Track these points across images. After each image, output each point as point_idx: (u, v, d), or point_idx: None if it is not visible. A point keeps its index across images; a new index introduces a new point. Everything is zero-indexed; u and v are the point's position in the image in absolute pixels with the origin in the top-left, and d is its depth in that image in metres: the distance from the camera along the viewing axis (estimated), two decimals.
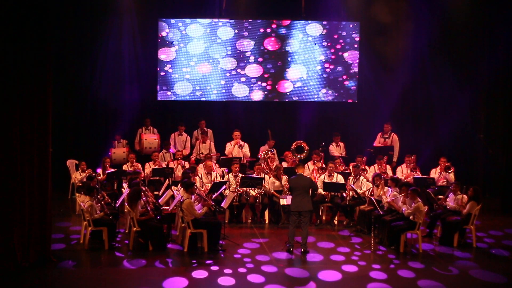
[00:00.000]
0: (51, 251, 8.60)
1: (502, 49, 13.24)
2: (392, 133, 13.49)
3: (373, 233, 9.63)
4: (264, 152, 12.52)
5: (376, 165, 12.20)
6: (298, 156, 12.46)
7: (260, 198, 11.09)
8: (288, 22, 14.37)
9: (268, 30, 14.34)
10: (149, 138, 13.24)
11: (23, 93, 8.16)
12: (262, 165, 11.86)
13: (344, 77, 14.59)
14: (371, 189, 10.82)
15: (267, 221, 11.15)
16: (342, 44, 14.51)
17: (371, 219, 9.74)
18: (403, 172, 12.23)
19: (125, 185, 10.85)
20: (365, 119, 14.46)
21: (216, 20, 14.15)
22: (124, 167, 12.12)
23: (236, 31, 14.26)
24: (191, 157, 13.05)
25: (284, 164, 12.22)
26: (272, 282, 7.99)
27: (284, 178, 11.35)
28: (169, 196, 10.38)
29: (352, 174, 11.37)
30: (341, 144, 13.58)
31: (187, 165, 12.19)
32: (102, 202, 9.67)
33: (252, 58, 14.35)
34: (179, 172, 11.87)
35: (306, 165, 12.04)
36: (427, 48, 14.33)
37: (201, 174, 11.25)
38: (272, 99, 14.57)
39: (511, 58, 12.98)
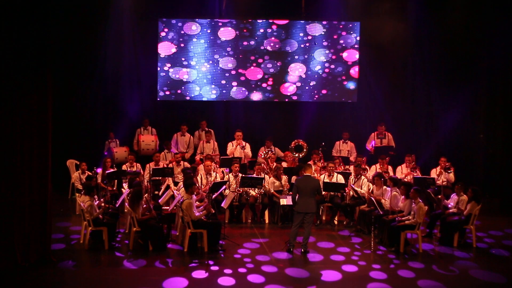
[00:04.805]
0: (51, 251, 8.60)
1: (502, 49, 13.24)
2: (387, 133, 13.58)
3: (373, 233, 9.64)
4: (264, 153, 12.53)
5: (378, 165, 12.21)
6: (297, 155, 12.45)
7: (260, 198, 11.09)
8: (288, 22, 14.37)
9: (268, 30, 14.34)
10: (147, 139, 13.21)
11: (23, 93, 8.16)
12: (262, 165, 11.87)
13: (344, 77, 14.60)
14: (371, 188, 10.82)
15: (267, 221, 11.15)
16: (342, 44, 14.51)
17: (371, 219, 9.75)
18: (403, 171, 12.24)
19: (125, 185, 10.85)
20: (365, 119, 14.47)
21: (216, 20, 14.16)
22: (124, 167, 12.12)
23: (237, 32, 14.26)
24: (196, 157, 13.01)
25: (284, 164, 12.22)
26: (272, 282, 7.98)
27: (284, 178, 11.35)
28: (169, 196, 10.39)
29: (353, 174, 11.38)
30: (351, 143, 13.59)
31: (186, 165, 12.20)
32: (103, 199, 9.68)
33: (252, 58, 14.35)
34: (178, 174, 11.89)
35: None
36: (427, 48, 14.35)
37: (201, 174, 11.25)
38: (272, 99, 14.57)
39: (511, 58, 12.97)
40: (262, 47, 14.34)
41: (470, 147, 14.22)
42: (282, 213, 10.92)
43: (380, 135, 13.61)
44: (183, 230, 9.43)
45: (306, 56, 14.47)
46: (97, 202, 9.53)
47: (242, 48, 14.31)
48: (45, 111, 8.35)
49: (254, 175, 11.19)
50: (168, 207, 9.99)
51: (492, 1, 13.56)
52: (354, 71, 14.61)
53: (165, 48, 14.10)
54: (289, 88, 14.54)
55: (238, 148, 12.87)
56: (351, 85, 14.65)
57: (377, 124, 13.81)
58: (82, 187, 10.72)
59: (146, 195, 9.59)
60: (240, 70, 14.36)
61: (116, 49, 13.78)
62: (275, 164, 12.02)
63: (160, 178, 11.78)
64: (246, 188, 11.05)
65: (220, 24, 14.20)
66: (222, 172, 11.87)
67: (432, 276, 8.32)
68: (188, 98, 14.33)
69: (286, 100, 14.63)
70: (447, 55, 14.24)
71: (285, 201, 10.20)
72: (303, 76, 14.51)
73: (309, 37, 14.43)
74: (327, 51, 14.52)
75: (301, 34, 14.41)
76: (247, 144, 13.04)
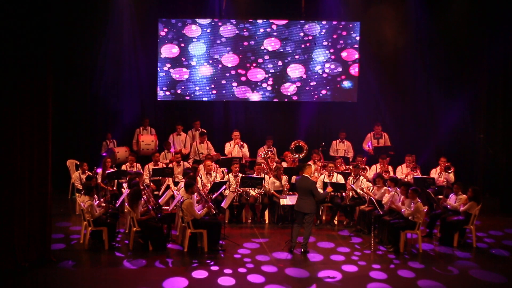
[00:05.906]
0: (51, 251, 8.60)
1: (502, 49, 13.23)
2: (383, 133, 13.60)
3: (373, 233, 9.64)
4: (264, 152, 12.53)
5: (378, 165, 12.21)
6: (297, 155, 12.45)
7: (260, 198, 11.10)
8: (288, 22, 14.37)
9: (268, 30, 14.33)
10: (146, 139, 13.20)
11: (23, 93, 8.16)
12: (262, 165, 11.87)
13: (344, 77, 14.59)
14: (371, 188, 10.83)
15: (267, 221, 11.15)
16: (342, 44, 14.51)
17: (371, 219, 9.75)
18: (403, 171, 12.24)
19: (125, 185, 10.85)
20: (365, 119, 14.46)
21: (216, 20, 14.15)
22: (124, 167, 12.12)
23: (237, 31, 14.26)
24: (189, 161, 12.98)
25: (284, 164, 12.22)
26: (272, 282, 7.99)
27: (284, 178, 11.35)
28: (169, 196, 10.38)
29: (352, 174, 11.38)
30: (348, 142, 13.60)
31: (186, 165, 12.19)
32: (103, 199, 9.68)
33: (252, 58, 14.34)
34: (178, 174, 11.89)
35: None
36: (427, 48, 14.35)
37: (201, 174, 11.24)
38: (272, 99, 14.57)
39: (511, 58, 12.97)
40: (262, 47, 14.34)
41: (470, 147, 14.22)
42: (282, 214, 10.92)
43: (376, 135, 13.63)
44: (183, 230, 9.43)
45: (306, 56, 14.46)
46: (97, 202, 9.53)
47: (242, 48, 14.30)
48: (45, 111, 8.35)
49: (254, 175, 11.19)
50: (168, 207, 9.99)
51: (492, 0, 13.55)
52: (354, 71, 14.61)
53: (165, 48, 14.09)
54: (289, 88, 14.54)
55: (236, 148, 12.87)
56: (351, 85, 14.64)
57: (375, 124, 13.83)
58: (82, 187, 10.72)
59: (145, 196, 9.58)
60: (240, 70, 14.36)
61: (116, 49, 13.76)
62: (275, 164, 12.02)
63: (160, 178, 11.78)
64: (246, 188, 11.05)
65: (220, 24, 14.19)
66: (222, 172, 11.88)
67: (432, 276, 8.33)
68: (188, 98, 14.33)
69: (286, 100, 14.63)
70: (447, 55, 14.24)
71: (285, 201, 10.19)
72: (303, 76, 14.51)
73: (309, 37, 14.43)
74: (327, 51, 14.51)
75: (301, 34, 14.41)
76: (245, 144, 13.05)
